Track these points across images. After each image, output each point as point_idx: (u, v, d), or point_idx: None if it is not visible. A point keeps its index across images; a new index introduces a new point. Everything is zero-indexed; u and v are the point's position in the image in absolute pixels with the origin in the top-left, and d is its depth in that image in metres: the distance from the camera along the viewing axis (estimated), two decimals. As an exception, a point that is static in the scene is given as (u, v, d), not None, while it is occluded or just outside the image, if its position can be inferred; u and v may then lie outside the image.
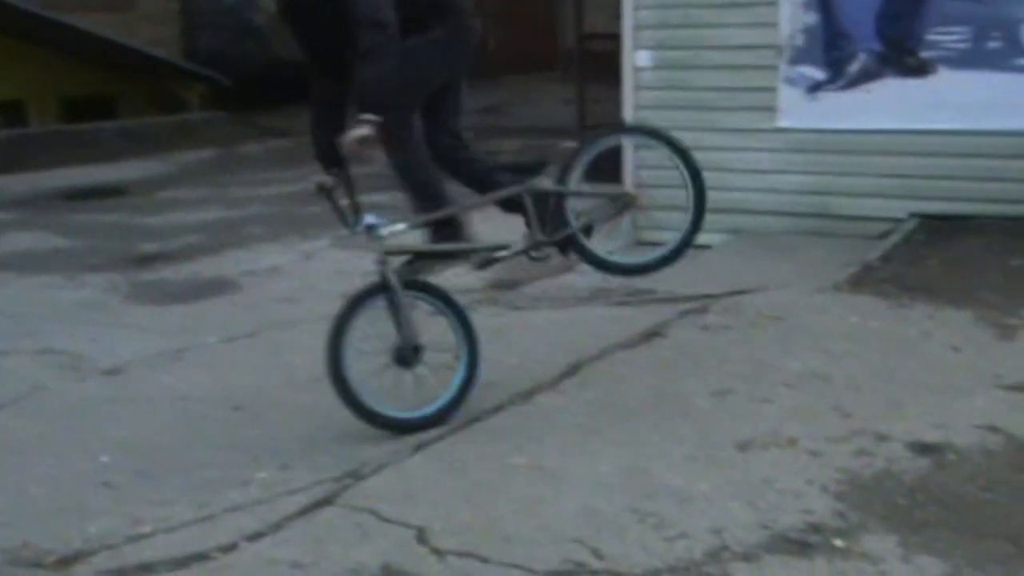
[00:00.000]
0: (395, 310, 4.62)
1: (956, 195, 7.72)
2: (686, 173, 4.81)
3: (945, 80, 7.71)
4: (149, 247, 9.38)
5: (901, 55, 7.79)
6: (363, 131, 4.36)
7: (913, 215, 7.80)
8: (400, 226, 4.73)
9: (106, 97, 17.17)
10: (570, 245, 4.91)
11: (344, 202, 4.70)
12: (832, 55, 7.95)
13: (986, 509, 3.68)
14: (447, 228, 4.85)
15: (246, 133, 16.74)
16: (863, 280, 6.47)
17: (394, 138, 4.53)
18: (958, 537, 3.50)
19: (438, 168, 4.87)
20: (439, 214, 4.80)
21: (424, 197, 4.81)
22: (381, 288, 4.62)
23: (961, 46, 7.69)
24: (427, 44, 4.63)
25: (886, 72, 7.86)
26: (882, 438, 4.25)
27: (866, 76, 7.90)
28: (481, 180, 4.90)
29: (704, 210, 4.81)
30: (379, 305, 4.64)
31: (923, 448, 4.15)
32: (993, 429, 4.28)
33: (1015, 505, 3.68)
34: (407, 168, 4.75)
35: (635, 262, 5.12)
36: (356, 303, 4.61)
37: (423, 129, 4.83)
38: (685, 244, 4.92)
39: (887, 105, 7.86)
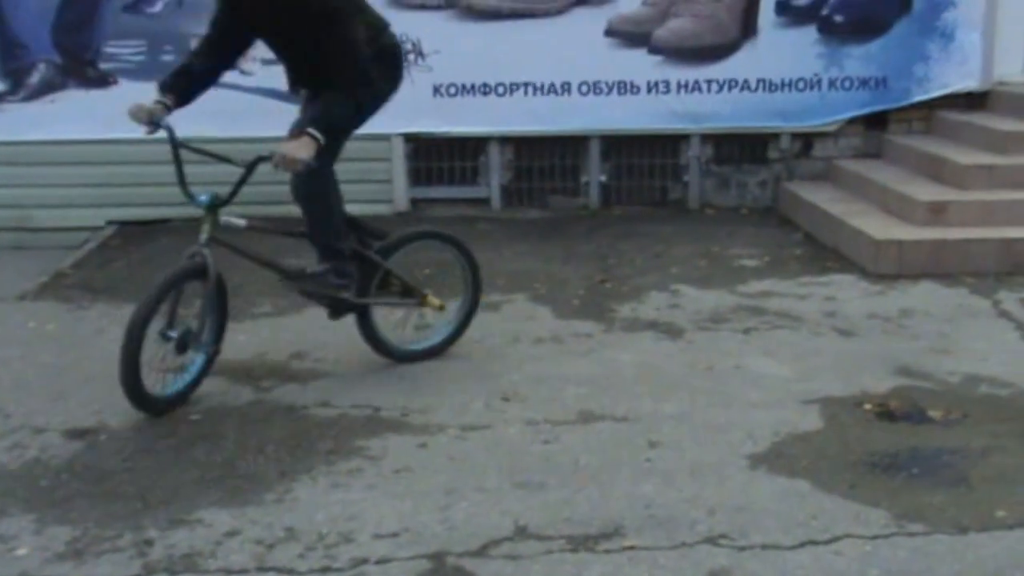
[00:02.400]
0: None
1: (150, 200, 8.11)
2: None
3: (127, 91, 8.02)
4: None
5: (81, 66, 8.00)
6: (309, 151, 4.42)
7: (111, 222, 8.07)
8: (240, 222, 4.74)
9: None
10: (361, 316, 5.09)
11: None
12: (10, 65, 7.96)
13: (124, 476, 4.01)
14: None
15: None
16: (50, 288, 6.60)
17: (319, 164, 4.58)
18: (93, 504, 3.78)
19: None
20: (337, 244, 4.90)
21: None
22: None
23: (138, 58, 8.09)
24: (374, 99, 4.80)
25: (69, 83, 8.03)
26: (39, 431, 4.43)
27: (48, 87, 8.01)
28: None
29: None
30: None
31: (77, 433, 4.40)
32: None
33: (148, 469, 4.06)
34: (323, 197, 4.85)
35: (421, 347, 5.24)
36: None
37: None
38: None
39: (75, 116, 8.03)
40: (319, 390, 4.77)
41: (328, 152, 4.65)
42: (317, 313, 5.93)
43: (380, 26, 4.88)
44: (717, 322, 5.68)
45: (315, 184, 4.79)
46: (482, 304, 5.83)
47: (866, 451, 4.16)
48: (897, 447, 4.18)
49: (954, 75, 8.15)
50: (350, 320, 5.78)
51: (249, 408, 4.63)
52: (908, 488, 3.86)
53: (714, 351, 5.25)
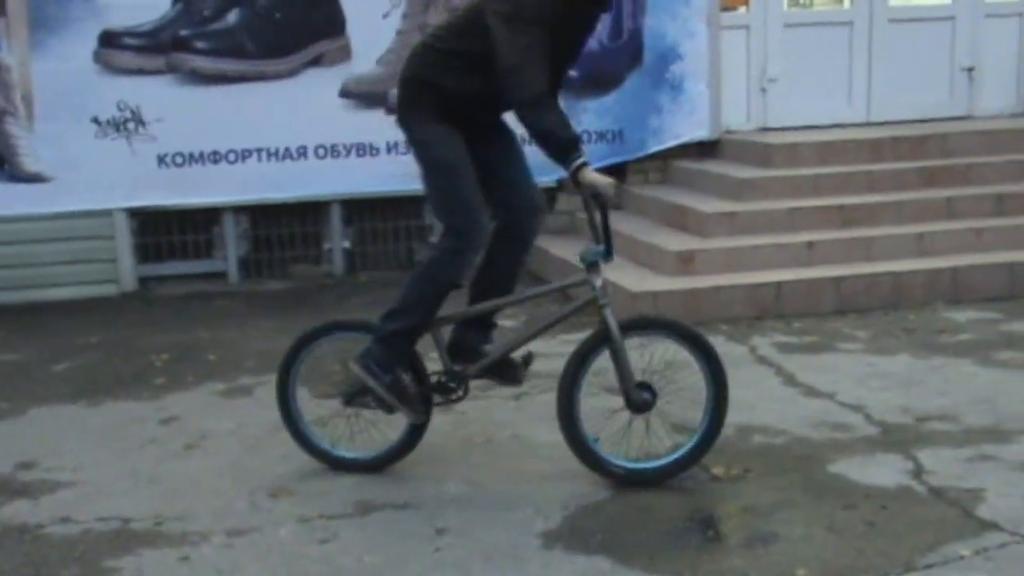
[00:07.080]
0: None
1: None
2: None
3: None
4: None
5: None
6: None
7: None
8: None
9: None
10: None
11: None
12: None
13: None
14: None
15: None
16: None
17: None
18: None
19: None
20: None
21: None
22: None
23: None
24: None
25: None
26: None
27: None
28: None
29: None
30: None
31: None
32: None
33: None
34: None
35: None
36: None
37: None
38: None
39: None
40: (56, 504, 4.21)
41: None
42: (46, 413, 5.35)
43: None
44: (485, 390, 5.44)
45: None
46: (233, 389, 5.42)
47: (659, 518, 3.99)
48: (689, 511, 4.04)
49: (685, 125, 8.32)
50: (86, 421, 5.25)
51: (-28, 533, 4.02)
52: (707, 553, 3.71)
53: (489, 422, 5.01)
